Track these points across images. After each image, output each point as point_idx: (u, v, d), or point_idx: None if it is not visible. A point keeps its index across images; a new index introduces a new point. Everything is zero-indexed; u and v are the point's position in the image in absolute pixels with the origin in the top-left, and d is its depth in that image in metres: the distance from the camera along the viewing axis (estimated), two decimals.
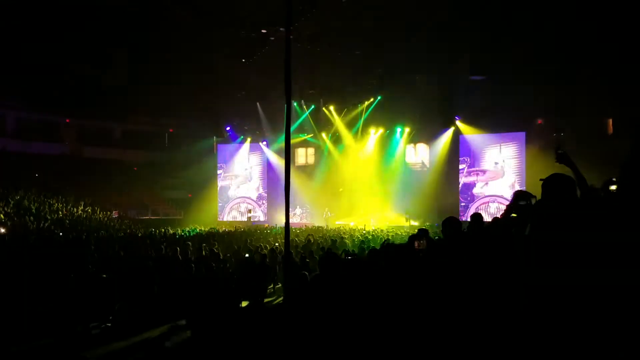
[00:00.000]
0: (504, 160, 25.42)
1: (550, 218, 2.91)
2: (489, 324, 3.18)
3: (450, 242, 4.39)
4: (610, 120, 23.43)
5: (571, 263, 2.63)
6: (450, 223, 4.55)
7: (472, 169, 25.85)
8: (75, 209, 27.38)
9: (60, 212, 26.07)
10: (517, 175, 24.93)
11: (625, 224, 2.71)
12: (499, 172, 25.26)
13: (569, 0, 18.16)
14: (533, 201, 3.95)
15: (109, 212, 29.02)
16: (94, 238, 16.23)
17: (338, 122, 30.86)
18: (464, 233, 4.60)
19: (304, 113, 31.14)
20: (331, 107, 30.36)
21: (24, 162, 30.12)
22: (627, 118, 21.99)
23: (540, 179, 3.28)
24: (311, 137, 32.05)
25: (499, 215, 4.99)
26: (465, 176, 26.05)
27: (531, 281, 2.72)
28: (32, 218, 23.55)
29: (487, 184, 25.77)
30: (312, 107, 30.90)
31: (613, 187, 4.17)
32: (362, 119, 30.01)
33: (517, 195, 4.02)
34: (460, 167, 26.50)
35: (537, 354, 2.65)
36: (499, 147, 26.09)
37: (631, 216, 2.75)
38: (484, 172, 25.51)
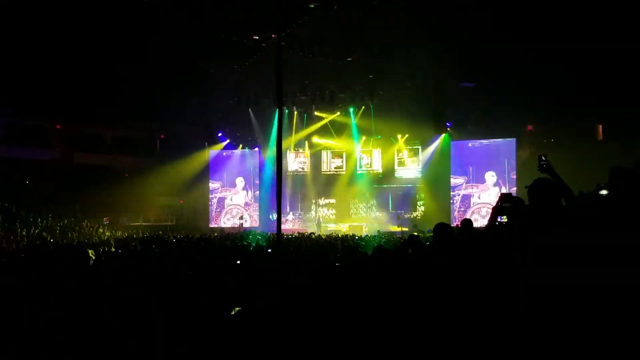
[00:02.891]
0: (493, 175, 25.84)
1: (542, 220, 2.94)
2: (485, 324, 3.19)
3: (441, 247, 4.41)
4: (600, 126, 23.62)
5: (567, 263, 2.65)
6: (441, 229, 4.58)
7: (470, 184, 26.56)
8: (65, 216, 27.19)
9: (50, 219, 25.89)
10: (507, 182, 25.24)
11: (617, 225, 2.74)
12: (488, 186, 26.05)
13: (558, 6, 18.29)
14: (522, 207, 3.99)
15: (99, 219, 28.87)
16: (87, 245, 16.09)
17: (329, 128, 30.93)
18: (455, 238, 4.62)
19: (294, 120, 31.20)
20: (323, 114, 30.41)
21: (13, 168, 29.89)
22: (617, 123, 22.19)
23: (525, 187, 3.35)
24: (297, 145, 32.16)
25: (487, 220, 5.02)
26: (464, 189, 26.70)
27: (530, 281, 2.74)
28: (21, 225, 23.37)
29: (479, 196, 26.43)
30: (305, 115, 30.97)
31: (603, 192, 4.22)
32: (354, 125, 30.10)
33: (503, 197, 4.05)
34: (460, 182, 26.92)
35: (535, 353, 2.66)
36: (489, 153, 26.32)
37: (623, 217, 2.78)
38: (477, 185, 26.35)
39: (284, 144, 29.05)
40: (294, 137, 32.04)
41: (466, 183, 26.75)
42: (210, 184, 33.31)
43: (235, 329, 4.50)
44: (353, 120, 29.87)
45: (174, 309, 5.21)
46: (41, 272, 7.55)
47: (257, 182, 32.50)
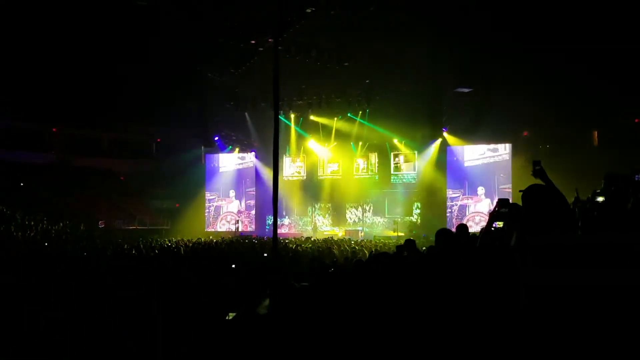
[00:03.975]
0: (482, 189, 26.81)
1: (539, 225, 2.96)
2: (484, 325, 3.20)
3: (443, 251, 4.42)
4: (596, 132, 23.69)
5: (566, 263, 2.67)
6: (444, 234, 4.59)
7: (465, 195, 27.31)
8: (61, 219, 27.10)
9: (46, 222, 25.80)
10: (497, 195, 25.65)
11: (614, 227, 2.76)
12: (480, 198, 26.91)
13: (556, 12, 18.38)
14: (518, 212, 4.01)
15: (95, 222, 28.79)
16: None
17: (325, 133, 30.94)
18: (455, 242, 4.64)
19: (291, 125, 31.20)
20: (319, 118, 30.41)
21: (9, 172, 29.80)
22: (613, 130, 22.28)
23: (520, 191, 3.38)
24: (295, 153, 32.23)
25: (482, 226, 5.06)
26: (461, 200, 27.41)
27: (530, 282, 2.75)
28: (16, 228, 23.30)
29: (474, 206, 27.10)
30: (301, 119, 31.00)
31: (600, 199, 4.24)
32: (352, 129, 30.12)
33: (499, 203, 4.08)
34: (457, 195, 27.44)
35: (534, 354, 2.67)
36: (485, 158, 26.62)
37: (619, 220, 2.80)
38: (472, 197, 27.18)
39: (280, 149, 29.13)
40: (291, 142, 32.07)
41: (462, 195, 27.40)
42: (208, 195, 33.42)
43: (232, 332, 4.51)
44: (349, 125, 29.88)
45: (174, 310, 5.21)
46: (40, 274, 7.54)
47: (252, 191, 32.63)
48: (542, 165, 3.84)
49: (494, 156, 26.75)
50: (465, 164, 27.36)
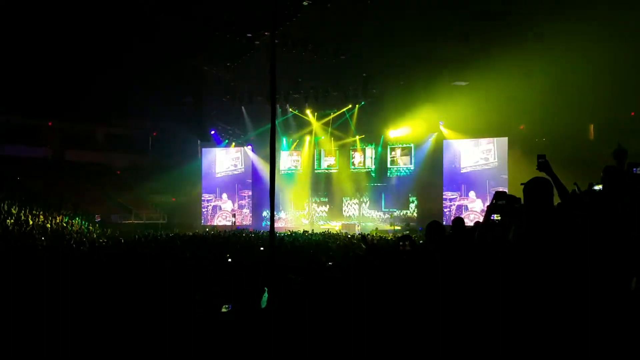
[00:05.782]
0: (473, 192, 27.02)
1: (536, 219, 2.96)
2: (481, 323, 3.20)
3: (433, 245, 4.43)
4: (592, 126, 23.71)
5: (563, 262, 2.66)
6: (434, 227, 4.59)
7: (463, 197, 27.45)
8: (57, 214, 27.02)
9: (42, 217, 25.73)
10: (488, 199, 25.73)
11: (612, 224, 2.76)
12: (473, 199, 27.06)
13: (551, 7, 18.37)
14: (516, 205, 4.01)
15: (91, 216, 28.72)
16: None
17: (322, 126, 30.91)
18: (448, 236, 4.64)
19: (287, 118, 31.16)
20: (316, 112, 30.37)
21: (5, 166, 29.68)
22: (609, 124, 22.30)
23: (521, 184, 3.37)
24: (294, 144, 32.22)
25: (480, 220, 5.06)
26: (458, 201, 27.53)
27: (526, 280, 2.75)
28: (12, 221, 23.23)
29: (468, 206, 27.20)
30: (292, 114, 30.97)
31: (597, 187, 4.25)
32: (348, 123, 30.12)
33: (497, 195, 4.08)
34: (454, 196, 27.47)
35: (532, 353, 2.67)
36: (481, 152, 26.69)
37: (618, 216, 2.80)
38: (467, 198, 27.35)
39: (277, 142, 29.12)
40: (287, 135, 32.07)
41: (459, 197, 27.52)
42: (205, 196, 33.41)
43: (231, 325, 4.50)
44: (347, 119, 29.90)
45: (167, 307, 5.20)
46: (32, 271, 7.51)
47: (243, 193, 32.70)
48: (546, 159, 3.83)
49: (486, 163, 26.84)
50: (462, 170, 27.49)
